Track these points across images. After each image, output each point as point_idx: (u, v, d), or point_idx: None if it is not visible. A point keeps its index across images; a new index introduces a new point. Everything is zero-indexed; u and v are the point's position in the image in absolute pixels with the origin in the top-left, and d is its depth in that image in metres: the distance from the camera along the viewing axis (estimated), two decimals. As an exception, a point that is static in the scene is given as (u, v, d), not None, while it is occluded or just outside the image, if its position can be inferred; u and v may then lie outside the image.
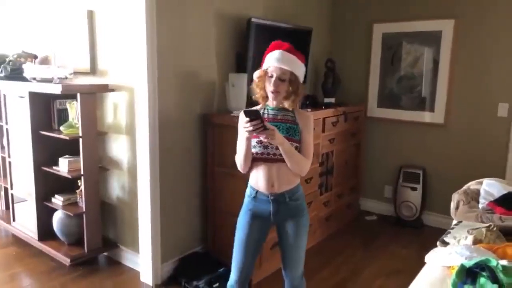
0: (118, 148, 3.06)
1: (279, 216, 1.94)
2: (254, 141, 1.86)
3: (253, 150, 1.88)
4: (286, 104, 1.90)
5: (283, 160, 1.85)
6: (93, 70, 3.11)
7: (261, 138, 1.80)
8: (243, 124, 1.75)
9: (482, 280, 1.39)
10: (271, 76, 1.84)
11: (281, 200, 1.92)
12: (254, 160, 1.91)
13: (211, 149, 3.03)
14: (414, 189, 3.94)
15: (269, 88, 1.85)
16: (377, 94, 4.25)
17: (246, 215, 1.99)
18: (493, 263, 1.42)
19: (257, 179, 1.93)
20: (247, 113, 1.72)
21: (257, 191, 1.95)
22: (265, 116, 1.92)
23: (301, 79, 1.91)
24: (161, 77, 2.71)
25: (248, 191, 2.01)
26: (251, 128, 1.71)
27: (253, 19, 3.08)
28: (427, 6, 3.85)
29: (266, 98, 1.92)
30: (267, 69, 1.87)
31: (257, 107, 1.96)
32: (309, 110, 3.29)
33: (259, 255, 2.05)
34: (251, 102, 2.21)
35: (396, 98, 4.14)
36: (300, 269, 2.03)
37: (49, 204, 3.15)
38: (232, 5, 3.17)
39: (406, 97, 4.09)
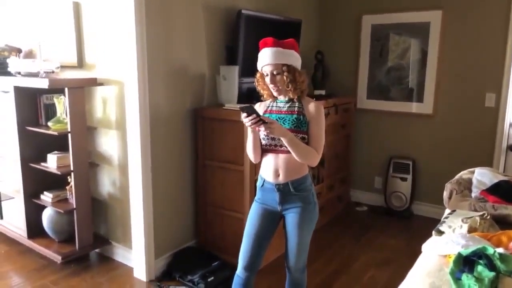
0: (108, 143, 3.01)
1: (285, 205, 1.96)
2: (262, 133, 1.91)
3: (262, 142, 1.95)
4: (291, 94, 1.92)
5: (290, 151, 1.86)
6: (80, 64, 3.04)
7: (262, 132, 1.82)
8: (243, 119, 1.78)
9: (480, 268, 1.40)
10: (267, 75, 1.90)
11: (286, 190, 1.94)
12: (263, 151, 1.98)
13: (202, 143, 3.01)
14: (404, 179, 3.98)
15: (269, 86, 1.92)
16: (366, 85, 4.26)
17: (255, 205, 2.05)
18: (490, 251, 1.44)
19: (265, 168, 1.98)
20: (242, 109, 1.75)
21: (264, 180, 1.99)
22: (272, 109, 1.98)
23: (297, 65, 1.91)
24: (151, 71, 2.67)
25: (258, 181, 2.06)
26: (249, 123, 1.76)
27: (243, 11, 3.05)
28: (415, -3, 3.87)
29: (273, 95, 1.98)
30: (261, 69, 1.93)
31: (266, 102, 2.02)
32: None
33: (267, 245, 2.05)
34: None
35: (385, 89, 4.16)
36: (301, 263, 2.02)
37: (38, 201, 3.09)
38: (222, -3, 3.14)
39: (395, 89, 4.11)
